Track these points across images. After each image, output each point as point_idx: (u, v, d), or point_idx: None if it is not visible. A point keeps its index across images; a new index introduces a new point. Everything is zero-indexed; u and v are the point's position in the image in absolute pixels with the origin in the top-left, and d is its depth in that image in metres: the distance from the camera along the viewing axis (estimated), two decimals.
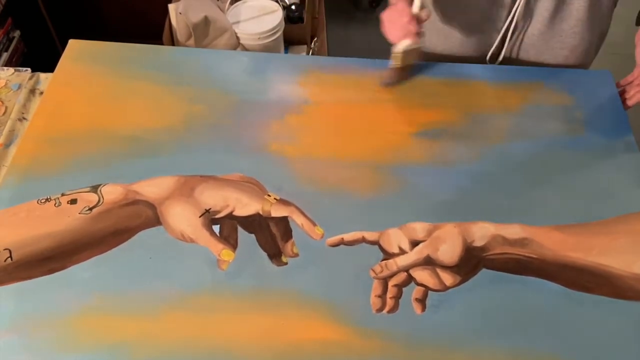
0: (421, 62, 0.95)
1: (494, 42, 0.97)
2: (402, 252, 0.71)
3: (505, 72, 0.95)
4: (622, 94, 0.91)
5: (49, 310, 0.67)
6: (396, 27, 0.84)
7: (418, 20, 0.84)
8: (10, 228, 0.71)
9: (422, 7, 0.84)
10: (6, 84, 0.93)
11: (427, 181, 0.80)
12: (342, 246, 0.73)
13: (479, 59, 1.00)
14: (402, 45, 0.85)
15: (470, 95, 0.91)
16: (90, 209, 0.72)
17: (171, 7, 1.35)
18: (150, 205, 0.73)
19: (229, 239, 0.73)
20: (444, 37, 1.00)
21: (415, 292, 0.70)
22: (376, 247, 0.73)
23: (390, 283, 0.70)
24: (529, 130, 0.86)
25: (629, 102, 0.89)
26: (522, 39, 0.96)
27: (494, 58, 1.00)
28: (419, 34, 0.85)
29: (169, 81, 0.91)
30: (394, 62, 0.88)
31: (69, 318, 0.67)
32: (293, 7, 1.52)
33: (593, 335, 0.67)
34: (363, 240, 0.73)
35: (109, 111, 0.86)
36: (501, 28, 0.95)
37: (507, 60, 1.00)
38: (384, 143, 0.84)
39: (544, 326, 0.68)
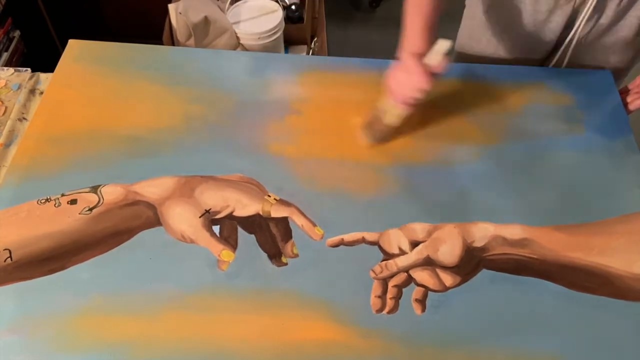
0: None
1: (547, 48, 0.95)
2: (402, 252, 0.71)
3: (505, 72, 0.95)
4: (623, 98, 0.91)
5: (49, 310, 0.67)
6: (405, 87, 0.77)
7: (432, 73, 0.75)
8: (10, 228, 0.71)
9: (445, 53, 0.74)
10: (6, 84, 0.93)
11: (427, 181, 0.80)
12: (342, 247, 0.73)
13: (530, 62, 0.98)
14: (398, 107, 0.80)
15: (470, 95, 0.91)
16: (90, 209, 0.72)
17: (171, 7, 1.35)
18: (151, 206, 0.73)
19: (229, 240, 0.73)
20: (496, 42, 0.97)
21: (415, 292, 0.70)
22: (376, 247, 0.73)
23: (390, 283, 0.70)
24: (529, 130, 0.86)
25: (630, 107, 0.89)
26: (577, 46, 0.93)
27: (545, 62, 0.98)
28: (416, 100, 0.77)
29: (169, 81, 0.91)
30: (389, 119, 0.82)
31: (69, 318, 0.67)
32: (293, 7, 1.52)
33: (593, 335, 0.67)
34: (363, 240, 0.73)
35: (109, 111, 0.86)
36: (557, 35, 0.92)
37: (558, 65, 0.97)
38: (384, 143, 0.84)
39: (544, 326, 0.68)
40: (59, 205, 0.73)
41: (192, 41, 1.35)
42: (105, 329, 0.66)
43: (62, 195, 0.74)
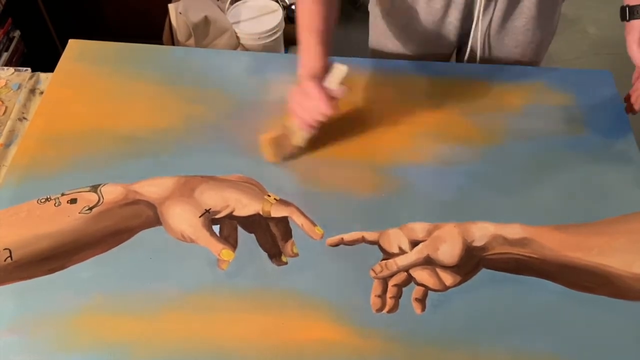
0: (400, 61, 0.96)
1: (451, 43, 0.98)
2: (402, 252, 0.71)
3: (505, 72, 0.95)
4: (627, 99, 0.90)
5: (49, 310, 0.67)
6: (306, 111, 0.75)
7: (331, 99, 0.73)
8: (10, 228, 0.71)
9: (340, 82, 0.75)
10: (6, 83, 0.93)
11: (427, 181, 0.80)
12: (342, 246, 0.73)
13: (438, 58, 1.01)
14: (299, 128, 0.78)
15: (470, 95, 0.91)
16: (90, 208, 0.72)
17: (171, 7, 1.36)
18: (151, 205, 0.73)
19: (229, 239, 0.73)
20: (402, 41, 1.00)
21: (415, 292, 0.70)
22: (376, 247, 0.73)
23: (390, 283, 0.70)
24: (529, 130, 0.86)
25: (636, 107, 0.89)
26: (478, 39, 0.97)
27: (451, 57, 1.01)
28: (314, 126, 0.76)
29: (169, 81, 0.91)
30: (296, 140, 0.80)
31: (69, 318, 0.67)
32: (293, 7, 1.52)
33: (593, 335, 0.67)
34: (363, 240, 0.73)
35: (109, 111, 0.86)
36: (459, 30, 0.95)
37: (472, 59, 1.01)
38: (384, 143, 0.84)
39: (544, 326, 0.68)
40: (59, 205, 0.73)
41: (192, 41, 1.35)
42: (106, 328, 0.66)
43: (62, 194, 0.74)
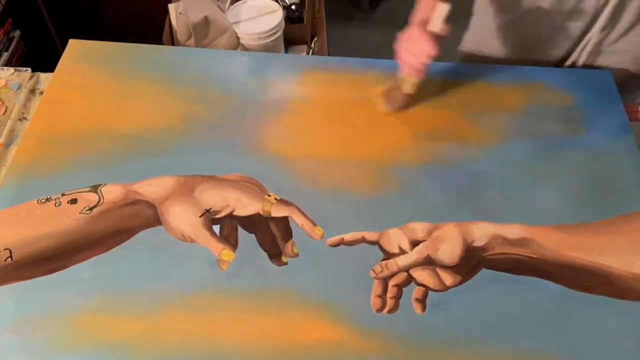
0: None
1: (561, 51, 0.95)
2: (402, 252, 0.71)
3: (505, 72, 0.95)
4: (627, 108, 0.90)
5: (49, 310, 0.67)
6: (413, 55, 0.80)
7: (436, 41, 0.78)
8: (10, 228, 0.71)
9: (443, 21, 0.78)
10: (6, 83, 0.93)
11: (427, 181, 0.80)
12: (342, 246, 0.73)
13: (549, 64, 0.98)
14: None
15: (470, 95, 0.91)
16: (91, 208, 0.72)
17: (171, 7, 1.35)
18: (151, 205, 0.73)
19: (229, 239, 0.73)
20: (508, 45, 0.97)
21: (416, 292, 0.70)
22: (376, 247, 0.73)
23: (391, 283, 0.70)
24: (529, 130, 0.86)
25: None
26: (599, 49, 0.93)
27: (558, 64, 0.98)
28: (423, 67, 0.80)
29: (169, 81, 0.91)
30: (405, 88, 0.86)
31: (69, 318, 0.67)
32: (293, 7, 1.52)
33: (593, 335, 0.68)
34: (363, 240, 0.73)
35: (109, 111, 0.86)
36: (579, 38, 0.92)
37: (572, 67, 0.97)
38: (384, 143, 0.84)
39: (544, 326, 0.68)
40: (59, 205, 0.73)
41: (192, 41, 1.35)
42: (106, 328, 0.66)
43: (63, 194, 0.74)
